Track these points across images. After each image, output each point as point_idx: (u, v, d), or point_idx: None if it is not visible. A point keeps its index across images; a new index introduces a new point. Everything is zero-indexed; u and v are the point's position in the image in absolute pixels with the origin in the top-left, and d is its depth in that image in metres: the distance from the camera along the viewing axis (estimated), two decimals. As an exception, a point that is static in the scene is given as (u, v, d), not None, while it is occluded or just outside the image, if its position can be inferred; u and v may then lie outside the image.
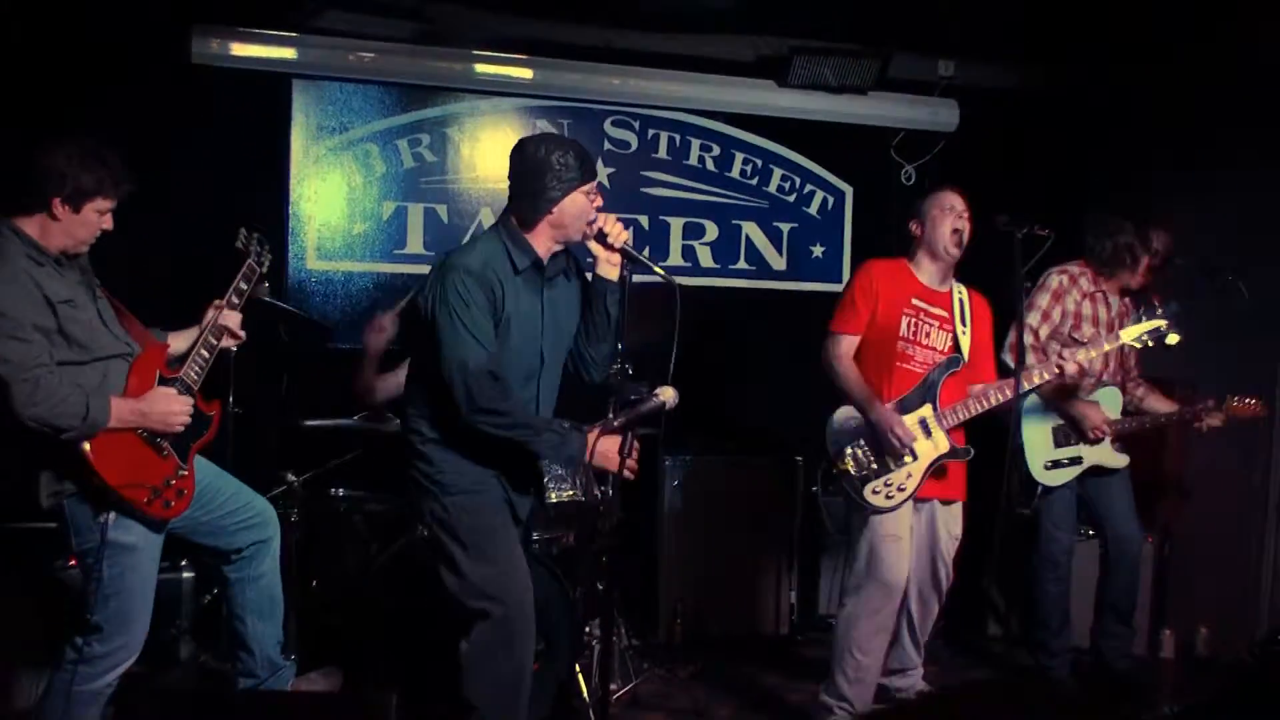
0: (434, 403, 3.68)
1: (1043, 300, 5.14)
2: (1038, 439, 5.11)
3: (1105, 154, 6.49)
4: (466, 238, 6.07)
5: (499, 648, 3.66)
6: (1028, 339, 5.01)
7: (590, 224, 3.74)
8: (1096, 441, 5.08)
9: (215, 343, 3.89)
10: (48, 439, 3.46)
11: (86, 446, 3.50)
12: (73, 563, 4.20)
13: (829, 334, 4.64)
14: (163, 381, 3.72)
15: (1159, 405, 5.30)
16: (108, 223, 3.67)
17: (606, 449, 3.67)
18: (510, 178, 3.76)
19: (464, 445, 3.67)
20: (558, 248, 3.80)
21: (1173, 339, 4.59)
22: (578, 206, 3.71)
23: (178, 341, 3.95)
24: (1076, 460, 5.13)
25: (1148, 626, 5.80)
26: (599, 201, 3.79)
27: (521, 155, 3.72)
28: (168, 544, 4.39)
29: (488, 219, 6.11)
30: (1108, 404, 5.15)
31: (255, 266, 4.07)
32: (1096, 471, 5.17)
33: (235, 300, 3.97)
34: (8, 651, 4.33)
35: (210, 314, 3.95)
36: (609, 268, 3.83)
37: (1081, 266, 5.23)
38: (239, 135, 5.57)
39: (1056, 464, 5.11)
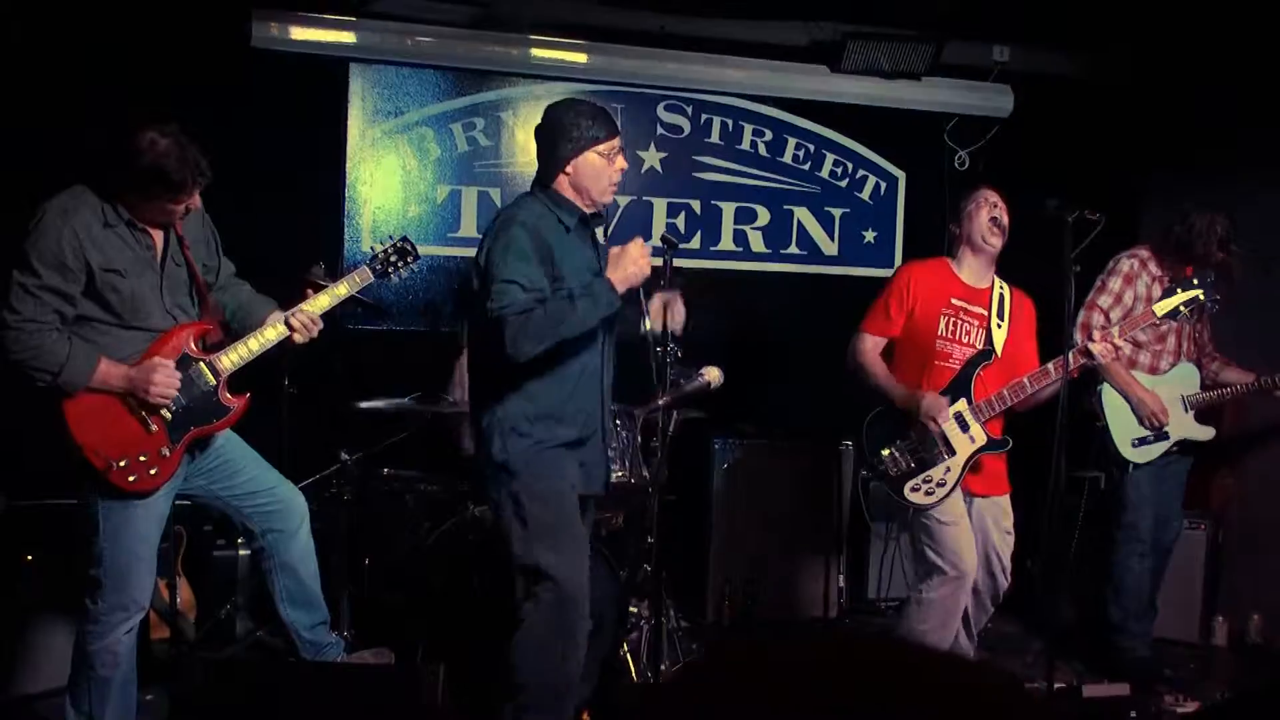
0: (501, 385, 3.68)
1: (1114, 284, 5.12)
2: (1124, 417, 5.11)
3: (1162, 141, 6.38)
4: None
5: (554, 629, 3.67)
6: (1098, 320, 5.02)
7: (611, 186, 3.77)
8: (1157, 428, 5.05)
9: (285, 331, 3.85)
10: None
11: (67, 400, 3.52)
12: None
13: (857, 330, 4.67)
14: (186, 360, 3.71)
15: (1236, 377, 5.28)
16: (193, 206, 3.71)
17: (615, 260, 3.63)
18: (536, 143, 3.81)
19: (535, 428, 3.69)
20: (588, 210, 3.78)
21: (1209, 306, 4.53)
22: (592, 166, 3.72)
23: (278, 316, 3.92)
24: (1163, 435, 5.12)
25: (1199, 613, 5.73)
26: (621, 163, 3.78)
27: (542, 119, 3.78)
28: (223, 523, 4.45)
29: (541, 203, 6.12)
30: (1184, 381, 5.17)
31: (374, 272, 4.08)
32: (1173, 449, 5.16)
33: (372, 270, 4.05)
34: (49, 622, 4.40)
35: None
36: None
37: (1149, 251, 5.18)
38: (297, 119, 5.59)
39: (1143, 441, 5.12)
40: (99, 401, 3.58)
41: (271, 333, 3.86)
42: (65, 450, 3.56)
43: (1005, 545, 4.63)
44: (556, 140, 3.72)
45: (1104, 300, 5.09)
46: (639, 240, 3.71)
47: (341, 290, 3.98)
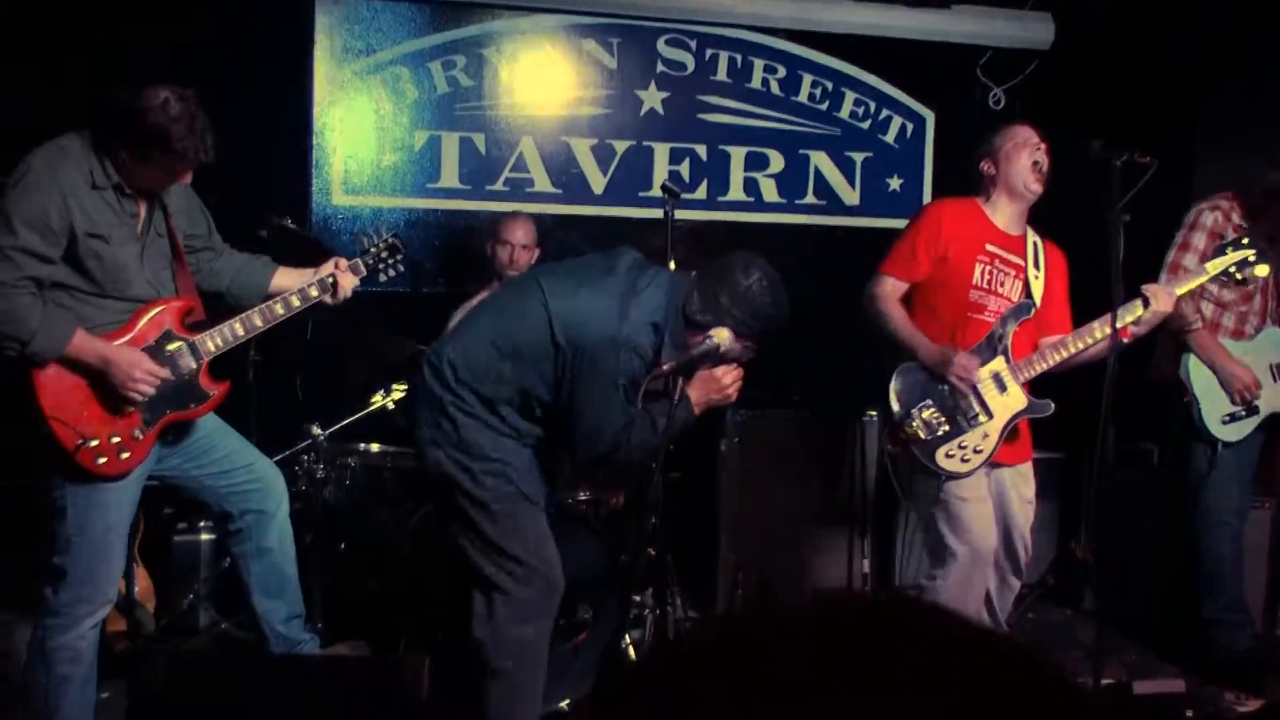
0: (527, 403, 3.81)
1: (1199, 240, 5.02)
2: (1214, 391, 5.08)
3: (1219, 76, 6.39)
4: (506, 170, 6.12)
5: (525, 614, 3.80)
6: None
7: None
8: (1248, 403, 5.07)
9: (296, 305, 4.00)
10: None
11: (36, 368, 3.57)
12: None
13: (875, 274, 4.64)
14: (169, 337, 3.78)
15: None
16: (184, 179, 3.81)
17: (704, 382, 3.84)
18: (716, 264, 3.86)
19: (519, 438, 3.84)
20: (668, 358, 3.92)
21: (1261, 270, 4.54)
22: (730, 342, 3.82)
23: (285, 279, 4.08)
24: (1254, 410, 5.09)
25: (1263, 602, 5.75)
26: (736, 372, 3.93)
27: (740, 270, 3.82)
28: (185, 505, 4.50)
29: (529, 149, 6.15)
30: (1271, 346, 5.15)
31: (366, 267, 4.24)
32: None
33: (363, 265, 4.20)
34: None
35: (324, 269, 4.10)
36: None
37: (1230, 200, 5.13)
38: (256, 60, 5.61)
39: (1234, 417, 5.08)
40: (70, 374, 3.62)
41: (269, 312, 3.97)
42: (29, 423, 3.60)
43: (1026, 516, 4.67)
44: (736, 310, 3.81)
45: (1189, 260, 4.99)
46: (733, 371, 3.88)
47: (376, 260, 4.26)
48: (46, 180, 3.54)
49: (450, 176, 6.07)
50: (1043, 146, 4.59)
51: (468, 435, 3.78)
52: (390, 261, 4.33)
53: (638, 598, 4.81)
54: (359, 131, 5.98)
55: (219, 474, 4.05)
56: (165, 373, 3.73)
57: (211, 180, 4.77)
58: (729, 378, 3.86)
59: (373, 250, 4.29)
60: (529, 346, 3.75)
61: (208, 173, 5.06)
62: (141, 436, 3.74)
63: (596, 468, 3.85)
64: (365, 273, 4.22)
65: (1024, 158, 4.56)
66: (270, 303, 3.99)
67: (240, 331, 3.92)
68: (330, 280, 4.10)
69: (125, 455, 3.71)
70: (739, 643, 0.83)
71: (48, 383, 3.59)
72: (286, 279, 4.09)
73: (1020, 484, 4.67)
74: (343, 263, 4.16)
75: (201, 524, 5.09)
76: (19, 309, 3.50)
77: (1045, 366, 4.52)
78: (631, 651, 4.67)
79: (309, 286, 4.07)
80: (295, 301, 4.03)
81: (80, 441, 3.62)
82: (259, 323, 3.96)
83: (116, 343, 3.67)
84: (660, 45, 6.29)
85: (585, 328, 3.70)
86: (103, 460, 3.66)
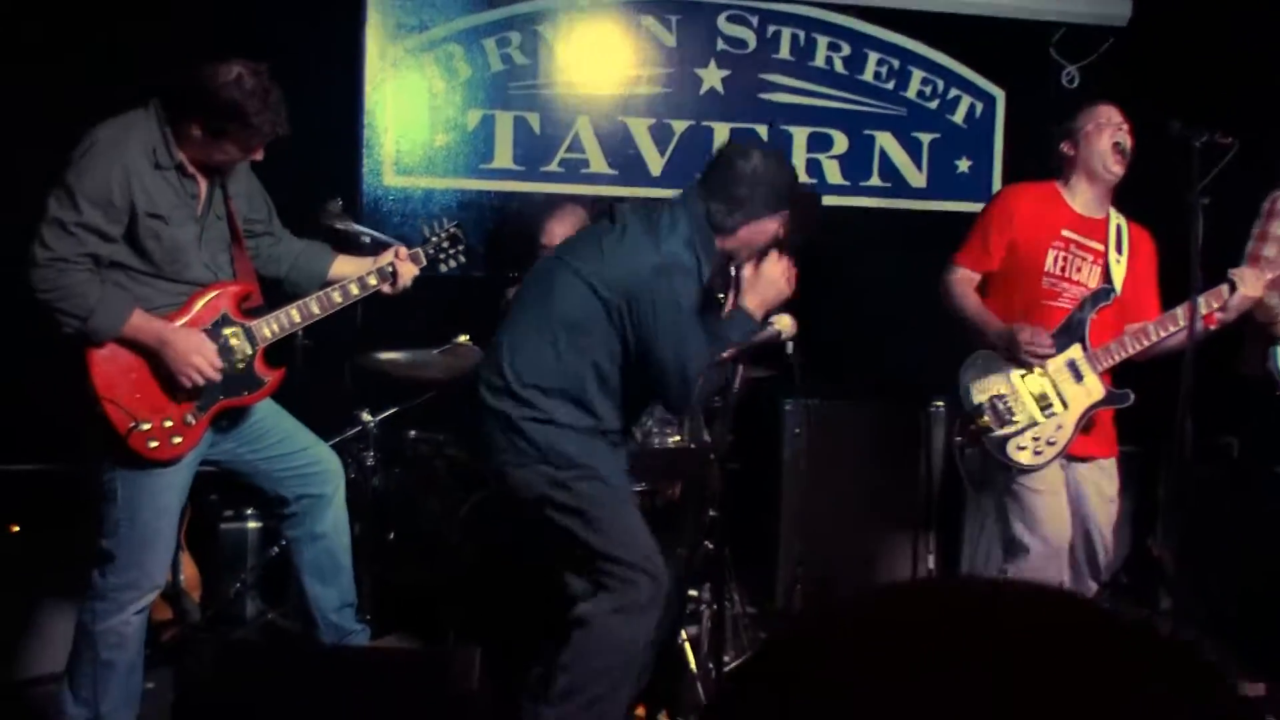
0: (602, 381, 3.82)
1: (1278, 228, 4.96)
2: None
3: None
4: (561, 151, 6.11)
5: (632, 614, 3.82)
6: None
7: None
8: None
9: (355, 293, 4.05)
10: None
11: (91, 346, 3.62)
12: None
13: (949, 263, 4.66)
14: (226, 321, 3.82)
15: None
16: (255, 156, 3.86)
17: (756, 285, 3.89)
18: (716, 167, 3.92)
19: (600, 429, 3.85)
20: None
21: None
22: (765, 233, 3.91)
23: (344, 266, 4.13)
24: None
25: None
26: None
27: (740, 156, 3.90)
28: (232, 492, 4.54)
29: (585, 129, 6.14)
30: None
31: (426, 257, 4.29)
32: None
33: (424, 255, 4.26)
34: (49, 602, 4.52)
35: (384, 258, 4.14)
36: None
37: None
38: (306, 37, 5.62)
39: None
40: (126, 355, 3.68)
41: (326, 300, 4.01)
42: (81, 404, 3.65)
43: (1107, 514, 4.63)
44: (755, 193, 3.88)
45: (1269, 250, 4.91)
46: (780, 262, 3.91)
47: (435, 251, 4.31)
48: (111, 156, 3.60)
49: (504, 157, 6.07)
50: (1125, 127, 4.54)
51: (551, 445, 3.81)
52: (451, 252, 4.37)
53: (694, 592, 4.79)
54: (411, 111, 5.99)
55: (275, 457, 4.09)
56: (219, 361, 3.77)
57: (259, 161, 4.82)
58: (777, 270, 3.90)
59: (434, 240, 4.33)
60: (581, 320, 3.77)
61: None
62: (194, 422, 3.79)
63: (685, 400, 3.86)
64: (425, 262, 4.27)
65: (1105, 139, 4.51)
66: (328, 290, 4.03)
67: (297, 318, 3.97)
68: (390, 269, 4.14)
69: (177, 440, 3.76)
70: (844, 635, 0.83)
71: (101, 363, 3.64)
72: (345, 267, 4.15)
73: (1101, 480, 4.63)
74: (403, 251, 4.20)
75: (249, 511, 5.14)
76: (79, 285, 3.57)
77: (1125, 355, 4.48)
78: (688, 648, 4.66)
79: (368, 275, 4.10)
80: (354, 289, 4.06)
81: (132, 424, 3.67)
82: (316, 310, 4.00)
83: (175, 325, 3.72)
84: (721, 22, 6.27)
85: (627, 273, 3.76)
86: (154, 444, 3.71)
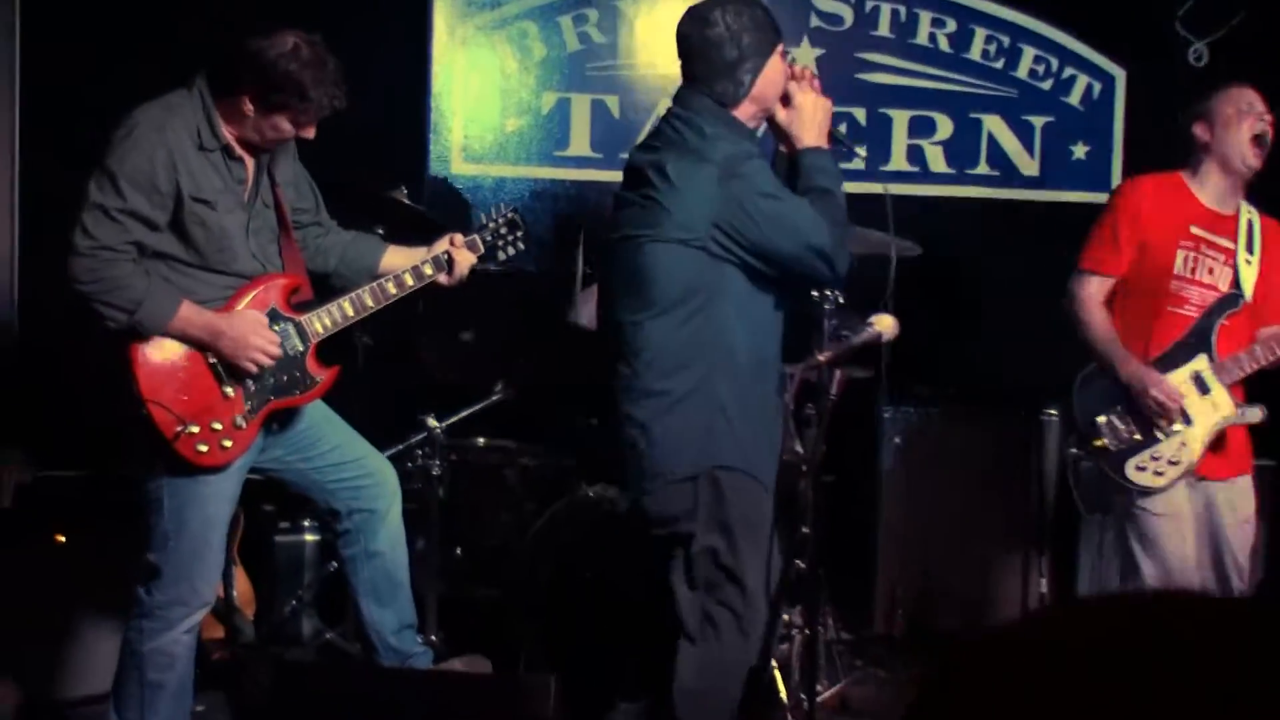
0: (749, 319, 3.74)
1: None
2: None
3: None
4: (642, 135, 6.07)
5: (739, 641, 3.78)
6: None
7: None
8: None
9: (409, 284, 4.04)
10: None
11: (138, 345, 3.62)
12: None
13: (1075, 271, 4.56)
14: (275, 316, 3.82)
15: None
16: (307, 133, 3.82)
17: (800, 120, 3.85)
18: (689, 56, 3.81)
19: (740, 409, 3.73)
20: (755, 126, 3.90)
21: None
22: (776, 72, 3.81)
23: (396, 258, 4.12)
24: None
25: None
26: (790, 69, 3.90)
27: (703, 26, 3.76)
28: (288, 502, 4.55)
29: (667, 113, 6.12)
30: None
31: (484, 244, 4.27)
32: None
33: (481, 243, 4.23)
34: (92, 617, 4.54)
35: (439, 246, 4.13)
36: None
37: None
38: (369, 14, 5.67)
39: None
40: (172, 353, 3.68)
41: (380, 292, 3.99)
42: (126, 407, 3.65)
43: (1240, 537, 4.53)
44: (737, 52, 3.78)
45: None
46: (796, 83, 3.85)
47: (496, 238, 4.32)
48: (153, 138, 3.61)
49: (580, 143, 6.06)
50: (1268, 116, 4.43)
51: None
52: (510, 238, 4.34)
53: (785, 615, 4.75)
54: (481, 93, 6.00)
55: (327, 467, 4.08)
56: (276, 348, 3.77)
57: (319, 145, 4.83)
58: (805, 92, 3.84)
59: (490, 226, 4.30)
60: (679, 282, 3.67)
61: (315, 138, 5.14)
62: (244, 425, 3.78)
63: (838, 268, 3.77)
64: (483, 250, 4.24)
65: (1244, 128, 4.41)
66: (382, 280, 4.01)
67: (350, 312, 3.95)
68: (445, 258, 4.10)
69: (227, 444, 3.75)
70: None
71: (146, 362, 3.65)
72: (398, 258, 4.13)
73: (1234, 500, 4.53)
74: (459, 239, 4.17)
75: (306, 523, 5.12)
76: (125, 276, 3.58)
77: (1257, 365, 4.41)
78: (778, 675, 4.62)
79: (423, 264, 4.08)
80: (409, 280, 4.04)
81: (180, 428, 3.66)
82: (370, 302, 3.98)
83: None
84: (815, -4, 6.23)
85: (700, 200, 3.65)
86: (203, 449, 3.71)
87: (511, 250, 4.38)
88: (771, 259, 3.68)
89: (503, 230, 4.33)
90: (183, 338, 3.66)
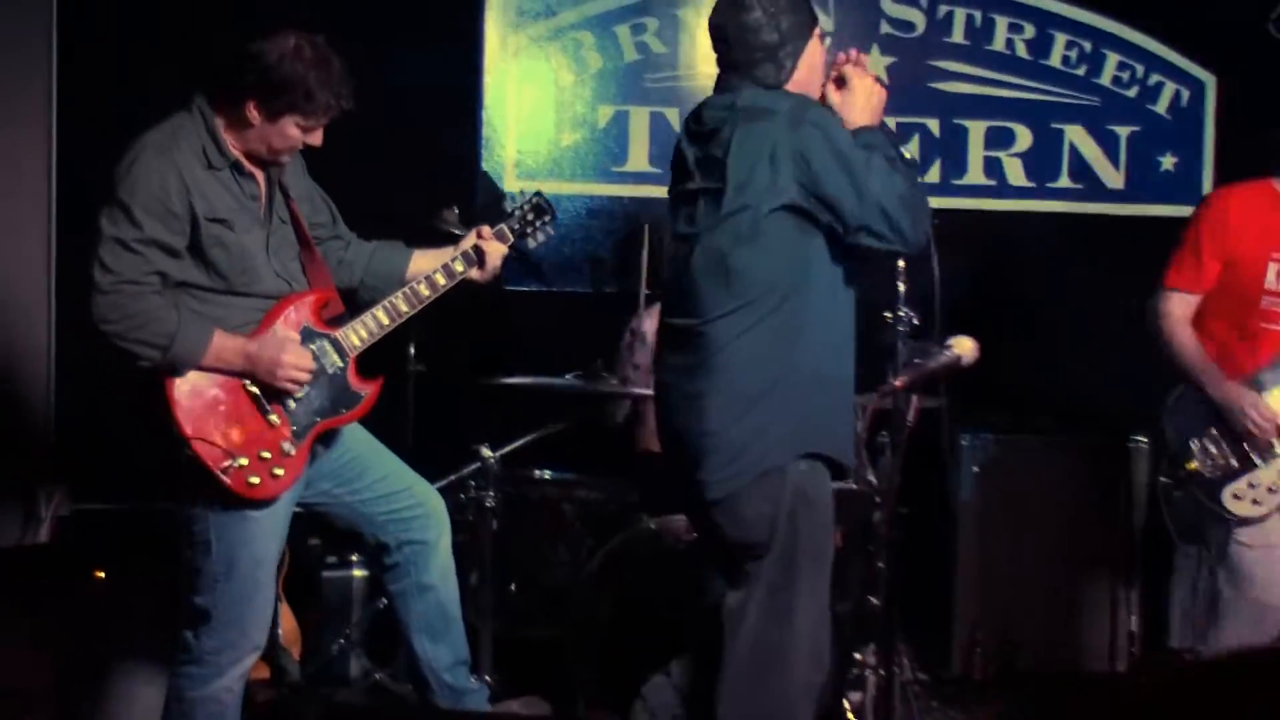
0: (794, 344, 3.63)
1: None
2: None
3: None
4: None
5: (796, 674, 3.73)
6: None
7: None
8: None
9: (442, 283, 4.04)
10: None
11: (174, 381, 3.59)
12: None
13: (1158, 289, 4.57)
14: (308, 335, 3.80)
15: None
16: (314, 139, 3.78)
17: (851, 104, 3.80)
18: (727, 44, 3.78)
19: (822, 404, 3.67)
20: None
21: None
22: (816, 55, 3.81)
23: (424, 262, 4.11)
24: None
25: None
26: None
27: (739, 12, 3.74)
28: (335, 536, 4.53)
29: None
30: None
31: (512, 233, 4.27)
32: None
33: (509, 231, 4.23)
34: (132, 659, 4.53)
35: (467, 241, 4.14)
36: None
37: None
38: (418, 23, 5.70)
39: None
40: (209, 385, 3.66)
41: (413, 296, 3.97)
42: (167, 447, 3.63)
43: None
44: (777, 35, 3.74)
45: None
46: (845, 64, 3.83)
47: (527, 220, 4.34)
48: (161, 162, 3.61)
49: (639, 158, 6.06)
50: None
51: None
52: (538, 223, 4.36)
53: (858, 654, 4.72)
54: (535, 106, 6.01)
55: (375, 499, 4.05)
56: (310, 361, 3.75)
57: (365, 164, 4.84)
58: (856, 73, 3.81)
59: (517, 213, 4.32)
60: (762, 269, 3.60)
61: (360, 154, 5.15)
62: (294, 451, 3.77)
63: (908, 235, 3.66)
64: (512, 238, 4.25)
65: None
66: (413, 283, 4.00)
67: (385, 320, 3.95)
68: (475, 252, 4.11)
69: (279, 472, 3.74)
70: None
71: (184, 399, 3.63)
72: (426, 261, 4.12)
73: None
74: (486, 230, 4.18)
75: (353, 558, 5.11)
76: (153, 309, 3.56)
77: None
78: (851, 716, 4.58)
79: (453, 261, 4.08)
80: (440, 279, 4.04)
81: (228, 462, 3.65)
82: (404, 307, 3.98)
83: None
84: (885, 2, 6.22)
85: (770, 162, 3.57)
86: (255, 480, 3.69)
87: (541, 236, 4.41)
88: (842, 216, 3.58)
89: (529, 216, 4.33)
90: (217, 368, 3.64)
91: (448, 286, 4.06)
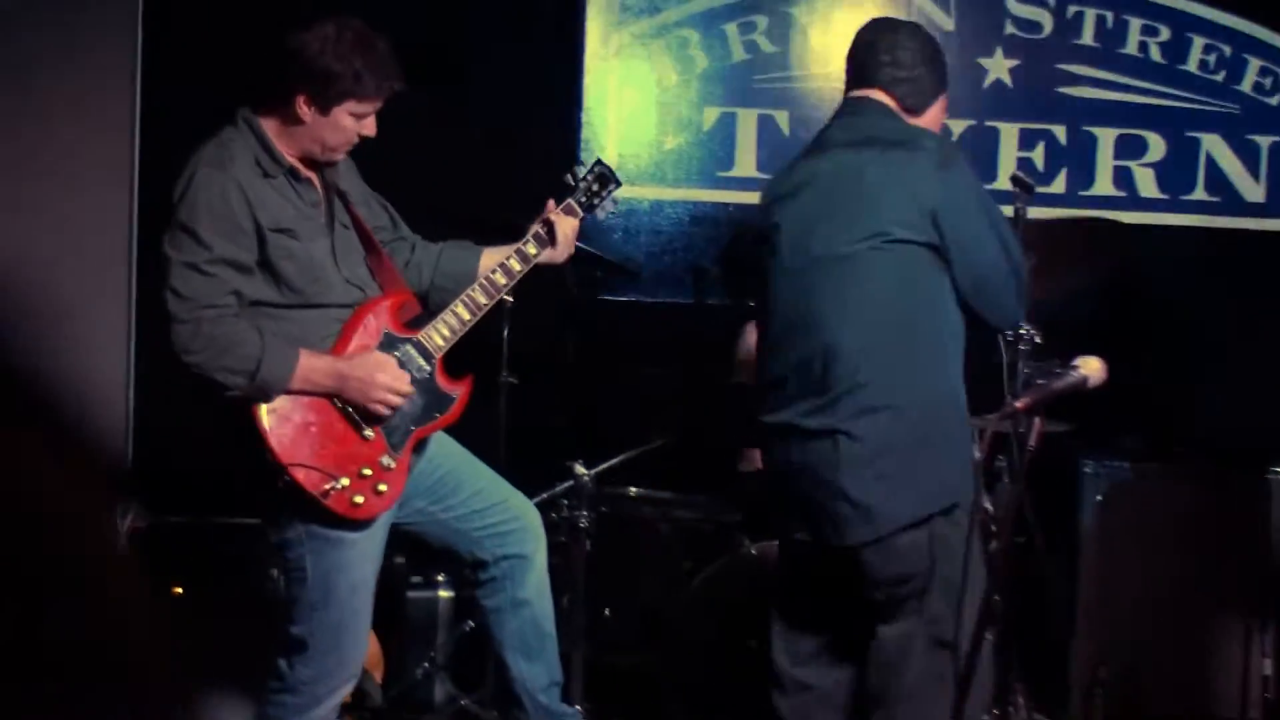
0: (927, 363, 3.71)
1: None
2: None
3: None
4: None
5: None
6: None
7: None
8: None
9: (517, 269, 4.02)
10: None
11: (262, 408, 3.59)
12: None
13: None
14: (390, 341, 3.78)
15: None
16: (368, 129, 3.77)
17: None
18: (875, 63, 3.85)
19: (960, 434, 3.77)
20: None
21: None
22: (942, 110, 3.99)
23: (493, 257, 4.08)
24: None
25: None
26: None
27: (895, 34, 3.93)
28: (421, 555, 4.52)
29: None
30: None
31: (580, 206, 4.23)
32: None
33: (577, 205, 4.20)
34: (215, 681, 4.54)
35: (536, 226, 4.09)
36: None
37: None
38: (517, 21, 5.72)
39: None
40: (299, 408, 3.66)
41: (490, 286, 3.95)
42: (263, 475, 3.63)
43: None
44: (938, 65, 3.95)
45: None
46: None
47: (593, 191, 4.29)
48: (218, 175, 3.64)
49: (746, 163, 6.05)
50: None
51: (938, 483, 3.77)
52: (604, 194, 4.31)
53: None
54: (637, 108, 6.07)
55: (471, 514, 4.06)
56: (407, 384, 3.74)
57: (458, 167, 4.85)
58: None
59: (581, 185, 4.26)
60: (894, 292, 3.65)
61: (456, 158, 5.16)
62: (394, 464, 3.78)
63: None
64: (581, 212, 4.22)
65: None
66: (488, 274, 3.98)
67: (466, 315, 3.93)
68: (546, 231, 4.07)
69: (383, 488, 3.75)
70: None
71: (276, 425, 3.64)
72: (497, 257, 4.08)
73: None
74: (552, 204, 4.13)
75: (439, 578, 5.12)
76: (236, 333, 3.58)
77: None
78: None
79: (525, 244, 4.06)
80: (515, 265, 4.03)
81: (329, 485, 3.66)
82: (483, 299, 3.97)
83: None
84: (1010, 1, 6.18)
85: (913, 193, 3.64)
86: (360, 500, 3.71)
87: (610, 206, 4.38)
88: (972, 267, 3.62)
89: (595, 186, 4.29)
90: (305, 389, 3.64)
91: (524, 271, 4.05)
